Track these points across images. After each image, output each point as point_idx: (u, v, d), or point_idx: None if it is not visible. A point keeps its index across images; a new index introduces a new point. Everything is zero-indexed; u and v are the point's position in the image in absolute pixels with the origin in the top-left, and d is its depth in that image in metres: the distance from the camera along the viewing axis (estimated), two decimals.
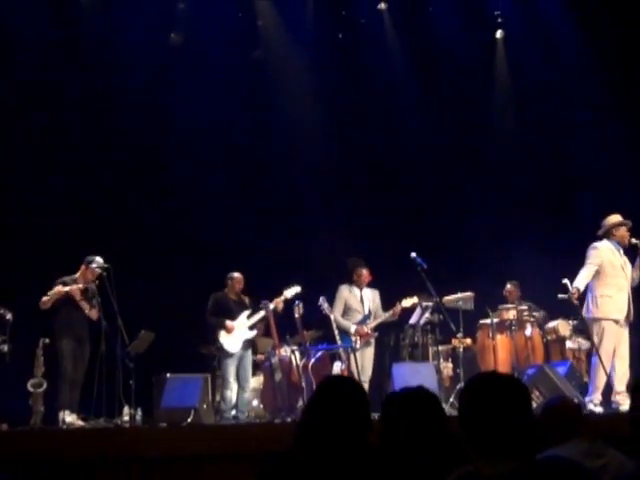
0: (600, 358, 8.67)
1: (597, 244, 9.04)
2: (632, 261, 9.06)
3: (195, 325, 10.36)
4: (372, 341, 10.32)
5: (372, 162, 12.82)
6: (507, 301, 11.03)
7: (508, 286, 11.10)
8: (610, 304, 8.84)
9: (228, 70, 12.14)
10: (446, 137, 12.89)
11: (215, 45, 11.91)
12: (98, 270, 9.21)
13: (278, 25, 12.87)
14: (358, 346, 9.98)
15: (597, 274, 8.91)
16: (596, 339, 8.88)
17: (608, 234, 9.07)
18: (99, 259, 9.28)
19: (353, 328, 10.10)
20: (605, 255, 8.95)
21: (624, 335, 8.89)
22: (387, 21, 13.00)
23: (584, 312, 9.04)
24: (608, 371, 8.66)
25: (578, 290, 8.78)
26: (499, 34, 13.18)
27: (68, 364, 8.98)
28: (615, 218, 9.13)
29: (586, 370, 10.47)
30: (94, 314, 9.18)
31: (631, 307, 8.89)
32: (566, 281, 8.84)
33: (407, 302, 10.23)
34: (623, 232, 9.04)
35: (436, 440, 3.12)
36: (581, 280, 8.85)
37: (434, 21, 12.76)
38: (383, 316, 10.28)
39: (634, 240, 8.95)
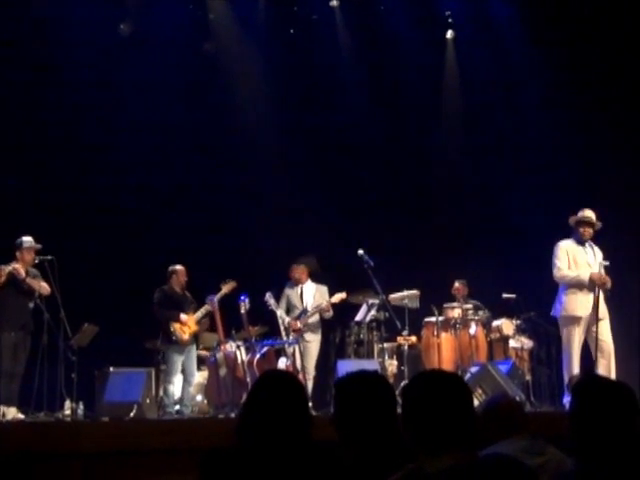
0: (569, 356, 8.75)
1: (560, 242, 9.09)
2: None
3: (139, 319, 10.28)
4: (316, 337, 10.36)
5: (321, 159, 12.80)
6: (455, 299, 11.10)
7: (456, 284, 11.16)
8: (574, 301, 8.87)
9: (178, 62, 12.03)
10: (395, 135, 12.95)
11: (165, 37, 11.78)
12: (33, 244, 9.03)
13: (229, 19, 12.80)
14: (291, 340, 10.01)
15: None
16: (563, 337, 8.94)
17: (575, 226, 9.11)
18: (28, 238, 9.11)
19: (286, 321, 10.19)
20: (569, 252, 9.00)
21: (604, 330, 8.85)
22: (338, 18, 12.99)
23: (553, 311, 9.10)
24: (575, 367, 8.69)
25: (598, 273, 8.80)
26: (449, 34, 13.26)
27: (6, 358, 8.77)
28: (583, 213, 9.13)
29: (528, 369, 10.61)
30: (45, 289, 8.98)
31: (601, 304, 8.83)
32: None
33: (335, 298, 10.35)
34: (581, 230, 9.04)
35: (388, 426, 3.14)
36: (577, 272, 8.88)
37: (385, 19, 12.79)
38: (313, 311, 10.34)
39: (602, 270, 8.90)
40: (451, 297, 11.15)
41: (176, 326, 9.75)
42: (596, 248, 9.14)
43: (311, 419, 3.25)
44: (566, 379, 8.76)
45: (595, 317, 8.80)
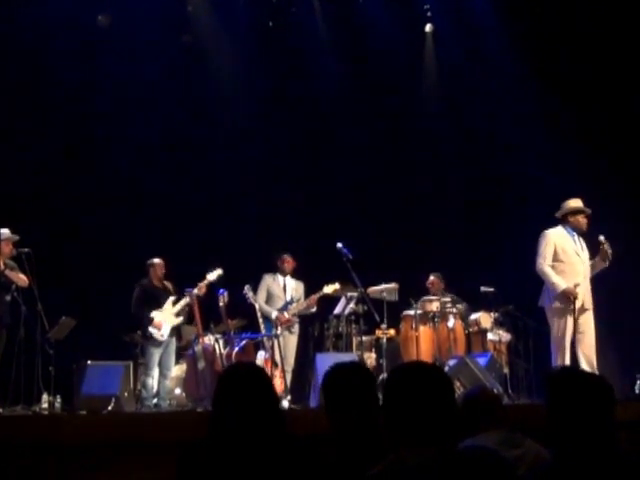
0: (561, 348, 8.53)
1: (547, 231, 8.83)
2: (593, 251, 8.85)
3: (117, 312, 10.24)
4: (295, 330, 10.37)
5: (298, 150, 12.80)
6: (430, 292, 11.13)
7: (431, 277, 11.17)
8: (564, 293, 8.60)
9: (157, 54, 11.97)
10: (373, 127, 12.96)
11: (143, 29, 11.71)
12: (10, 236, 8.95)
13: (208, 11, 12.77)
14: (279, 332, 9.99)
15: (552, 262, 8.72)
16: (554, 329, 8.67)
17: (564, 219, 8.86)
18: (5, 230, 9.01)
19: (274, 314, 10.16)
20: (557, 240, 8.75)
21: (587, 322, 8.67)
22: (318, 10, 13.00)
23: (540, 302, 8.85)
24: (566, 359, 8.48)
25: (573, 288, 8.51)
26: (428, 28, 13.29)
27: None
28: (574, 203, 8.88)
29: (506, 362, 10.66)
30: (23, 281, 8.87)
31: (587, 294, 8.66)
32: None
33: (329, 289, 10.31)
34: (579, 219, 8.80)
35: (371, 413, 3.18)
36: (557, 279, 8.62)
37: (364, 12, 12.80)
38: (301, 305, 10.32)
39: (602, 237, 8.64)
40: (426, 291, 11.17)
41: (150, 328, 9.70)
42: (583, 241, 8.91)
43: (279, 409, 3.27)
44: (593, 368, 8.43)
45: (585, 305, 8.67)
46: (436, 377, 2.68)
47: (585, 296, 8.71)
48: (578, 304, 8.61)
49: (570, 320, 8.59)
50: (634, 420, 6.68)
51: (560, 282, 8.62)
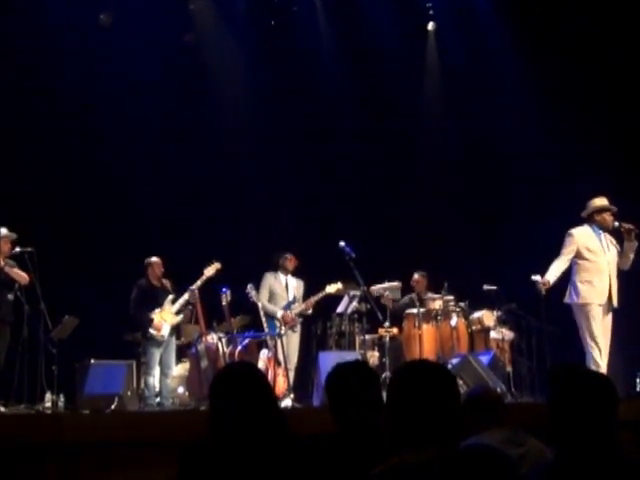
0: (589, 343, 8.46)
1: (572, 230, 8.79)
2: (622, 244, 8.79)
3: (119, 311, 10.24)
4: (297, 329, 10.37)
5: (299, 148, 12.79)
6: (414, 291, 11.10)
7: (416, 276, 11.12)
8: (590, 289, 8.60)
9: (159, 53, 11.98)
10: (375, 126, 12.95)
11: (145, 28, 11.72)
12: (9, 234, 8.95)
13: (210, 10, 12.78)
14: (283, 332, 9.99)
15: (576, 260, 8.70)
16: (583, 325, 8.60)
17: (590, 217, 8.81)
18: (3, 229, 9.02)
19: (280, 313, 10.16)
20: (580, 240, 8.70)
21: (605, 323, 8.65)
22: (319, 9, 13.00)
23: (566, 299, 8.77)
24: (595, 355, 8.42)
25: (548, 282, 8.59)
26: (430, 26, 13.28)
27: None
28: (599, 202, 8.83)
29: (509, 360, 10.65)
30: (23, 278, 8.89)
31: (613, 292, 8.64)
32: (536, 278, 8.65)
33: (331, 288, 10.32)
34: (605, 217, 8.73)
35: (375, 412, 3.19)
36: (552, 272, 8.66)
37: (366, 11, 12.79)
38: (299, 307, 10.34)
39: (616, 223, 8.65)
40: (411, 289, 11.16)
41: (150, 329, 9.69)
42: (610, 239, 8.87)
43: (277, 407, 3.28)
44: (603, 369, 8.36)
45: (610, 304, 8.64)
46: (441, 376, 2.66)
47: (612, 294, 8.66)
48: (603, 301, 8.59)
49: (597, 314, 8.56)
50: (635, 420, 6.67)
51: (547, 274, 8.67)
